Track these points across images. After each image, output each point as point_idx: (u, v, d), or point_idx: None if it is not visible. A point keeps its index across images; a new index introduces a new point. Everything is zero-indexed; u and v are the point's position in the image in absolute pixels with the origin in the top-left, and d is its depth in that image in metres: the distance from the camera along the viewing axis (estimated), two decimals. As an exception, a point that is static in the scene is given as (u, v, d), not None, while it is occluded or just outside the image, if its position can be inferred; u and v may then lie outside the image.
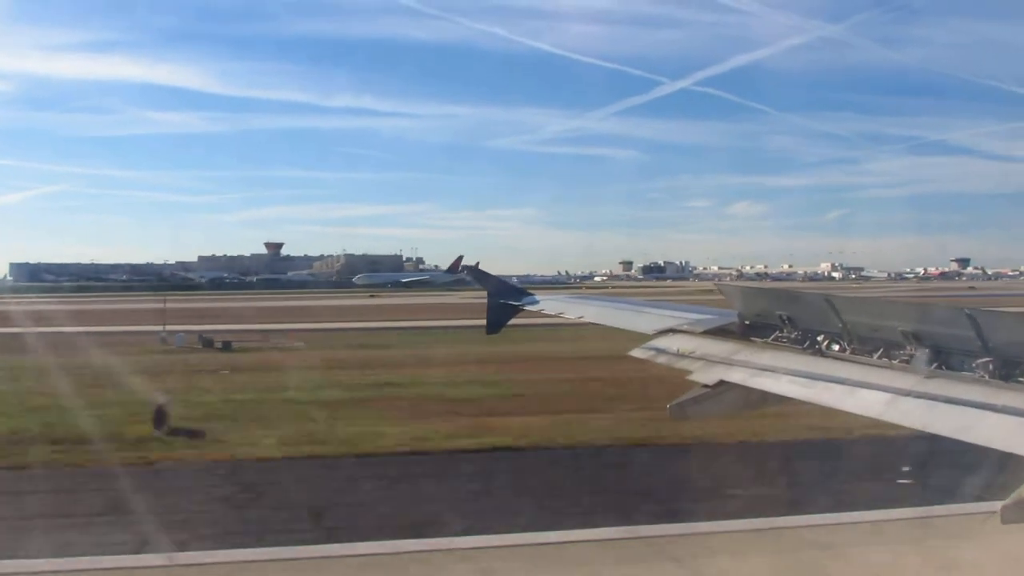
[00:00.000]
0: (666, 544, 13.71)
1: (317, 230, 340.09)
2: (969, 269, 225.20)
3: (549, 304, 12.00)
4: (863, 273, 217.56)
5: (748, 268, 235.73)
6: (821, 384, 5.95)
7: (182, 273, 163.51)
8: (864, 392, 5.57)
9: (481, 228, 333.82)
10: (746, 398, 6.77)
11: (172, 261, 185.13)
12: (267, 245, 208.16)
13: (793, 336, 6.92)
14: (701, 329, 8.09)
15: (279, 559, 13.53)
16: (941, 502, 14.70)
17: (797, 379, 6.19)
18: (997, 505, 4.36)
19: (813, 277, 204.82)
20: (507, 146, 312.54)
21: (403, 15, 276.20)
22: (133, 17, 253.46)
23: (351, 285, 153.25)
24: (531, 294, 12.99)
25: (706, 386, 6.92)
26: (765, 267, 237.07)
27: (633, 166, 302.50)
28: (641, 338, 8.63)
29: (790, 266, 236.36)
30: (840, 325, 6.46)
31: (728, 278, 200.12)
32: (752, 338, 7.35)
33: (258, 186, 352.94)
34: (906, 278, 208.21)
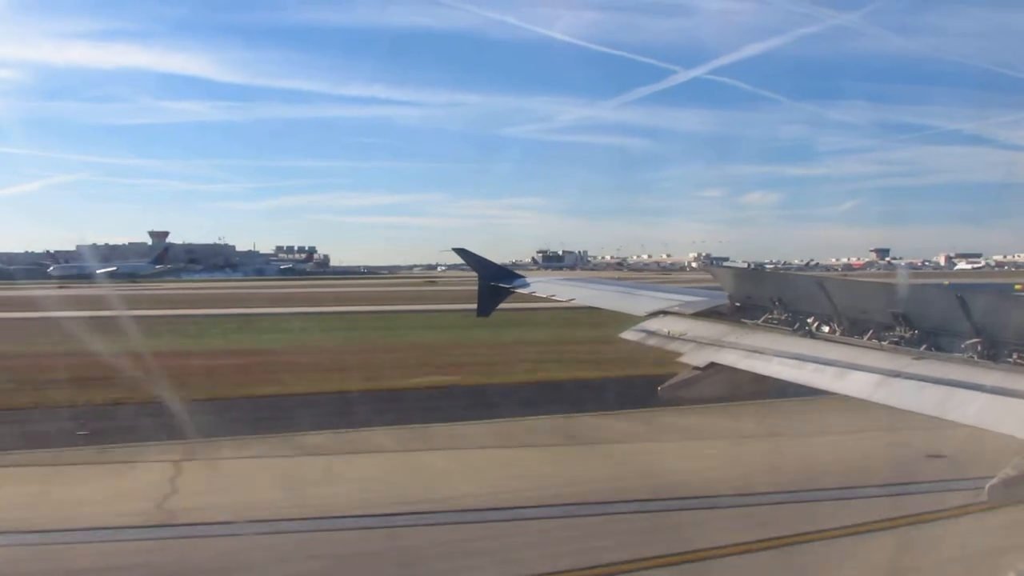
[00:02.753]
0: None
1: (329, 219, 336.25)
2: (886, 259, 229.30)
3: (540, 286, 11.99)
4: (725, 263, 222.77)
5: (635, 258, 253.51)
6: (811, 366, 5.99)
7: (46, 263, 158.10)
8: (854, 373, 5.61)
9: (495, 216, 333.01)
10: (736, 380, 6.80)
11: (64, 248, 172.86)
12: (151, 234, 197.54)
13: (783, 318, 6.95)
14: (692, 311, 8.11)
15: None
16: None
17: (787, 361, 6.22)
18: (984, 484, 4.40)
19: (670, 267, 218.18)
20: (520, 135, 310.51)
21: (414, 3, 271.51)
22: (143, 6, 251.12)
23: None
24: (521, 276, 12.97)
25: (697, 368, 6.94)
26: (648, 256, 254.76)
27: (647, 155, 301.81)
28: (632, 320, 8.65)
29: (667, 256, 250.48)
30: (830, 307, 6.49)
31: (609, 267, 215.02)
32: (743, 320, 7.37)
33: (271, 175, 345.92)
34: (765, 267, 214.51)
